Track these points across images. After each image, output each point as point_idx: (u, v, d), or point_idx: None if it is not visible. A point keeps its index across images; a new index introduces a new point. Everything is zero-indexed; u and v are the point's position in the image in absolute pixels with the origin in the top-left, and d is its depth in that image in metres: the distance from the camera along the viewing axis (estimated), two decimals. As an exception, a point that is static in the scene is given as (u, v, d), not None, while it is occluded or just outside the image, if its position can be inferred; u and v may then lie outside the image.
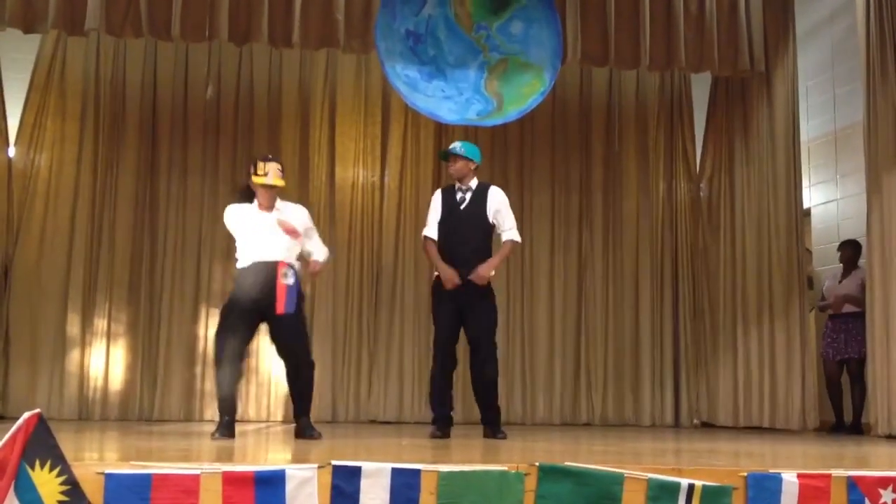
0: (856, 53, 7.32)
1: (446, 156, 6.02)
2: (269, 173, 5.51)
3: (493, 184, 8.58)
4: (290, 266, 5.48)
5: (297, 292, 5.48)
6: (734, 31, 7.63)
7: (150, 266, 8.19)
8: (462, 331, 5.84)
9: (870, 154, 6.94)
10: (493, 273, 5.83)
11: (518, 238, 6.03)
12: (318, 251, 5.77)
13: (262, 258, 5.47)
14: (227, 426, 5.30)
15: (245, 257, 5.55)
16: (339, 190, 8.53)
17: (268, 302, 5.39)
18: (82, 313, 8.00)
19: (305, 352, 5.57)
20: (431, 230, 5.92)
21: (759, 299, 8.01)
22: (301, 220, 5.64)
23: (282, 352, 5.56)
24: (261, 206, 5.59)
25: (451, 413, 5.89)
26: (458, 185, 5.95)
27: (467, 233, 5.84)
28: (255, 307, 5.40)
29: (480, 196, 5.92)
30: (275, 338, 5.57)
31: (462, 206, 5.88)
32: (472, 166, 5.93)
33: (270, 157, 5.65)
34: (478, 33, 7.19)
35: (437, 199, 6.02)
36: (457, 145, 5.99)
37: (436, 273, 5.86)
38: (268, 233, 5.48)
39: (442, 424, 5.68)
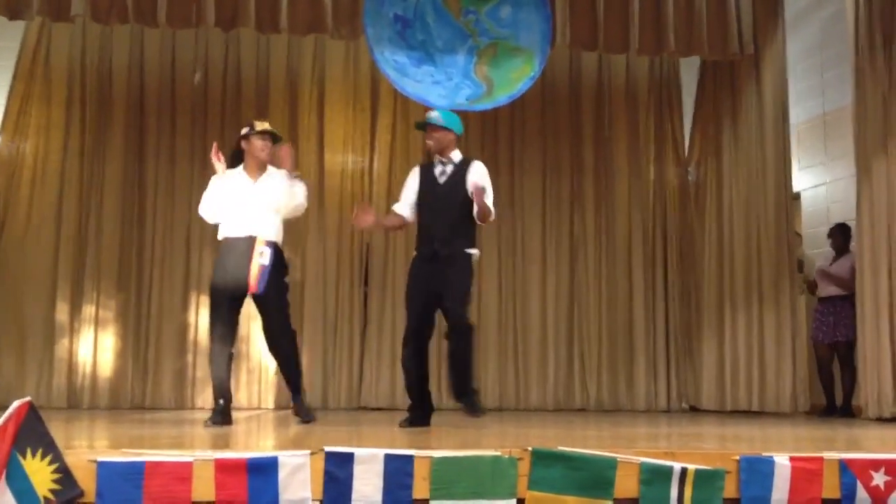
0: (844, 37, 7.33)
1: (424, 126, 5.48)
2: (266, 123, 5.51)
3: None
4: (269, 244, 5.36)
5: (274, 271, 5.36)
6: (723, 15, 7.62)
7: (139, 253, 8.15)
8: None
9: (858, 138, 6.96)
10: (484, 188, 5.21)
11: (493, 213, 5.32)
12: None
13: (239, 233, 5.36)
14: (221, 412, 5.27)
15: (224, 229, 5.43)
16: (328, 175, 8.49)
17: (244, 282, 5.32)
18: (70, 301, 7.96)
19: (286, 327, 5.52)
20: (399, 205, 5.50)
21: (747, 283, 8.00)
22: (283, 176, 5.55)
23: (265, 330, 5.52)
24: (250, 168, 5.47)
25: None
26: (437, 158, 5.43)
27: (444, 210, 5.29)
28: (233, 287, 5.33)
29: (461, 171, 5.36)
30: (261, 316, 5.53)
31: (441, 181, 5.37)
32: (452, 137, 5.39)
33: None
34: (466, 18, 7.14)
35: (413, 175, 5.53)
36: (434, 114, 5.48)
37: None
38: (248, 205, 5.36)
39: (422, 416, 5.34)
